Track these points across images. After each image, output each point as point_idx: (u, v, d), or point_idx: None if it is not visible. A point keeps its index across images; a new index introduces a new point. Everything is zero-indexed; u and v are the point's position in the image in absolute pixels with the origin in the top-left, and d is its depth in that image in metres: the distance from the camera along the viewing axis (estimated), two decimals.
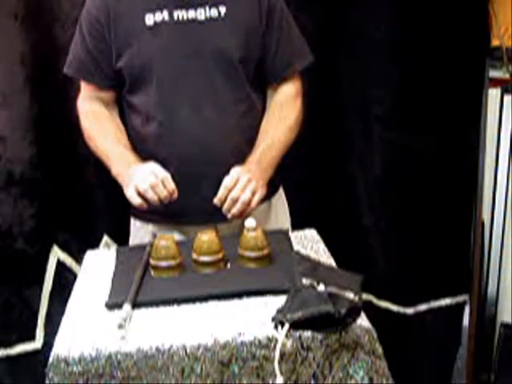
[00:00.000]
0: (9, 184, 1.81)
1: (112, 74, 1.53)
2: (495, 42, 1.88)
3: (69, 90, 1.81)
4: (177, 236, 1.42)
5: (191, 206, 1.50)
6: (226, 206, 1.39)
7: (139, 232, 1.62)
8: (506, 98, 1.98)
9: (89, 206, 1.92)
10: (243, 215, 1.40)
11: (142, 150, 1.54)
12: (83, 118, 1.61)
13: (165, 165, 1.46)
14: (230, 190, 1.39)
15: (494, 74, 1.93)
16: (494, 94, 1.96)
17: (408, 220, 1.96)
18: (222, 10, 1.47)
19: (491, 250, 2.11)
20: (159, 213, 1.52)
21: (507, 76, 1.93)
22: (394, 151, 1.93)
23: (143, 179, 1.39)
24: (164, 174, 1.39)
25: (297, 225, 1.63)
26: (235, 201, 1.39)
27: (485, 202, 2.01)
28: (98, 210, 1.92)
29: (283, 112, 1.56)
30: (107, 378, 1.04)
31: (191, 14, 1.46)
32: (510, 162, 2.02)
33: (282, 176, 1.64)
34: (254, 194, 1.40)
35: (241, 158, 1.47)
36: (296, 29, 1.59)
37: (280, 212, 1.67)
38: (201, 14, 1.47)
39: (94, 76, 1.56)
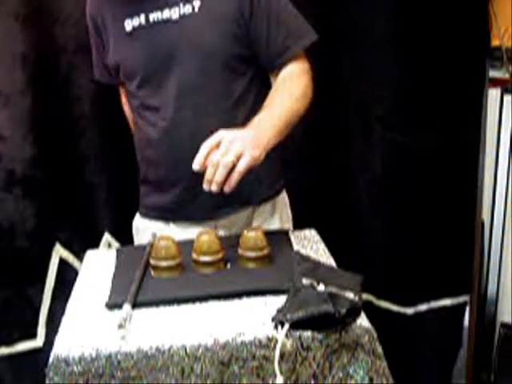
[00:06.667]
0: (10, 183, 1.81)
1: None
2: (495, 42, 1.88)
3: (69, 89, 1.82)
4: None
5: (188, 204, 1.51)
6: (207, 173, 1.22)
7: (145, 231, 1.62)
8: (506, 98, 1.98)
9: (90, 205, 1.92)
10: (231, 185, 1.23)
11: (138, 151, 1.61)
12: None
13: (156, 164, 1.52)
14: (209, 153, 1.23)
15: (494, 74, 1.93)
16: (494, 94, 1.96)
17: (408, 220, 1.97)
18: (196, 4, 1.42)
19: (491, 250, 2.11)
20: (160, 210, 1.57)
21: (507, 76, 1.93)
22: (395, 151, 1.93)
23: None
24: None
25: (297, 225, 1.64)
26: (217, 165, 1.22)
27: (485, 202, 2.01)
28: (98, 208, 1.93)
29: (286, 85, 1.45)
30: (107, 378, 1.04)
31: (166, 14, 1.43)
32: (510, 162, 2.02)
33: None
34: (239, 157, 1.23)
35: None
36: (290, 8, 1.48)
37: (284, 212, 1.66)
38: (175, 12, 1.43)
39: (107, 75, 1.60)
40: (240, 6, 1.42)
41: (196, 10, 1.43)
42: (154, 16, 1.44)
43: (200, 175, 1.25)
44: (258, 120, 1.34)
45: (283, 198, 1.65)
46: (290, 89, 1.44)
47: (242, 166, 1.22)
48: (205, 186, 1.23)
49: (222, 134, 1.25)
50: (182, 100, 1.46)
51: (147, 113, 1.50)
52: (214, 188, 1.22)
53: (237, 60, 1.46)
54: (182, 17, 1.43)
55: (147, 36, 1.45)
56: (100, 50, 1.56)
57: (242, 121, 1.43)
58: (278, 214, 1.62)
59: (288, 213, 1.67)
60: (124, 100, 1.68)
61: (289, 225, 1.66)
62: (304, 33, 1.49)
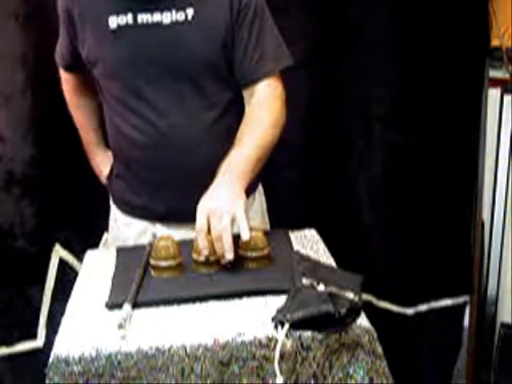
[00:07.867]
0: (10, 184, 1.81)
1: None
2: (495, 42, 1.88)
3: None
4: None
5: (174, 208, 1.51)
6: (217, 250, 1.24)
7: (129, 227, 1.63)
8: (506, 98, 1.98)
9: (89, 205, 1.92)
10: (248, 234, 1.25)
11: (116, 149, 1.60)
12: (67, 100, 1.72)
13: (141, 164, 1.51)
14: (207, 231, 1.24)
15: (494, 74, 1.93)
16: (494, 94, 1.96)
17: (408, 220, 1.97)
18: (190, 12, 1.40)
19: (491, 250, 2.11)
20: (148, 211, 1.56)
21: (507, 76, 1.93)
22: (394, 151, 1.93)
23: None
24: None
25: (297, 225, 1.64)
26: (220, 237, 1.22)
27: (485, 202, 2.01)
28: (98, 208, 1.93)
29: (256, 115, 1.45)
30: (107, 378, 1.04)
31: (156, 17, 1.41)
32: (510, 162, 2.02)
33: (281, 176, 1.64)
34: (233, 217, 1.24)
35: (214, 165, 1.37)
36: (273, 31, 1.49)
37: (262, 201, 1.67)
38: (166, 17, 1.40)
39: (70, 62, 1.60)
40: (231, 16, 1.42)
41: (189, 17, 1.41)
42: (143, 17, 1.41)
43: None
44: (226, 168, 1.34)
45: (260, 190, 1.67)
46: (260, 120, 1.43)
47: (243, 221, 1.23)
48: (223, 261, 1.25)
49: (204, 210, 1.25)
50: (168, 106, 1.44)
51: (130, 115, 1.47)
52: (231, 256, 1.23)
53: (226, 70, 1.46)
54: (174, 23, 1.41)
55: (134, 37, 1.42)
56: (70, 38, 1.51)
57: (227, 130, 1.45)
58: (257, 203, 1.64)
59: (263, 200, 1.69)
60: (65, 82, 1.69)
61: (264, 210, 1.68)
62: (280, 56, 1.49)
